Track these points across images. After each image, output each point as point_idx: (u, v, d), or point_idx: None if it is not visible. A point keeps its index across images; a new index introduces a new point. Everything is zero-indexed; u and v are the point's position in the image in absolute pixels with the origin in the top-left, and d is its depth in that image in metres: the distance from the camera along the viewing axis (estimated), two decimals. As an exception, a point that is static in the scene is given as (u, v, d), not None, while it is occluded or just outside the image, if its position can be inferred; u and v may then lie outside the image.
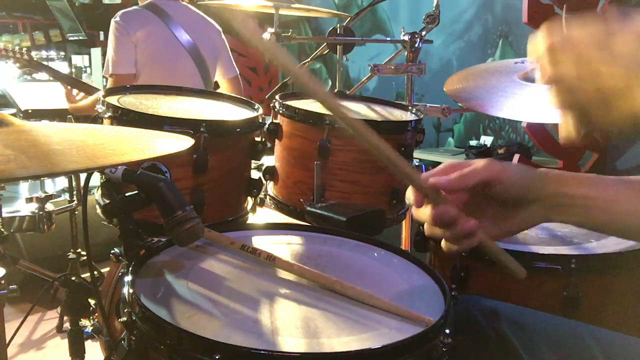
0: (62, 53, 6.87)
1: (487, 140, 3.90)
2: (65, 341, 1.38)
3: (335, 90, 1.94)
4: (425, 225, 0.83)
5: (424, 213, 0.81)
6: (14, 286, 1.53)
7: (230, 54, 2.95)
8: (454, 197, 0.81)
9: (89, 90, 2.88)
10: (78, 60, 6.75)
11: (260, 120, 1.37)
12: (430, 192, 0.80)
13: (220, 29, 2.90)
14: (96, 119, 1.31)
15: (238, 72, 2.99)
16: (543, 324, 0.96)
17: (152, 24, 2.67)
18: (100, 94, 1.34)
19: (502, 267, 0.86)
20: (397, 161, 0.79)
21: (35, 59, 3.04)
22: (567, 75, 0.66)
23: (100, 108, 1.27)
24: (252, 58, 5.53)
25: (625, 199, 0.77)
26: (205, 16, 2.86)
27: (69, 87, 2.85)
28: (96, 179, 1.26)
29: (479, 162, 0.80)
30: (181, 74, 2.70)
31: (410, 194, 0.83)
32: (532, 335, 0.94)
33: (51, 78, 3.09)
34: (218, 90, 2.95)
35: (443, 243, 0.83)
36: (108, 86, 2.65)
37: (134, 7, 2.76)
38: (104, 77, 2.77)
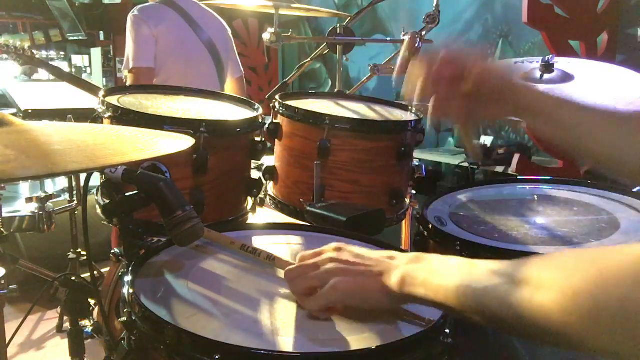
0: (62, 53, 6.88)
1: (487, 140, 3.90)
2: (65, 341, 1.38)
3: (336, 90, 1.94)
4: (418, 89, 0.93)
5: (415, 75, 0.93)
6: (14, 286, 1.53)
7: (237, 53, 2.96)
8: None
9: (91, 88, 2.88)
10: (78, 60, 6.76)
11: (260, 120, 1.37)
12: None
13: (228, 28, 2.90)
14: (96, 119, 1.31)
15: (243, 72, 3.00)
16: None
17: (172, 20, 2.66)
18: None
19: (467, 146, 1.03)
20: None
21: (37, 57, 3.03)
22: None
23: (100, 108, 1.27)
24: (252, 58, 5.53)
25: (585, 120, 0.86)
26: (216, 14, 2.86)
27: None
28: (96, 179, 1.26)
29: (470, 50, 0.93)
30: (199, 71, 2.69)
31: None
32: None
33: (52, 76, 3.09)
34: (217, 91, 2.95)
35: (430, 110, 0.94)
36: (128, 82, 2.62)
37: (151, 3, 2.74)
38: (123, 71, 2.75)
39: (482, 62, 0.91)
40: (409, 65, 0.96)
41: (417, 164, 1.62)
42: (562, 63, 1.67)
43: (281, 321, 0.77)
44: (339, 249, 0.82)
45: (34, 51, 3.01)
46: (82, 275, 1.98)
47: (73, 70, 6.32)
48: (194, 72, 2.65)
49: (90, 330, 1.33)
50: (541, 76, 1.63)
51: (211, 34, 2.74)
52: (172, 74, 2.60)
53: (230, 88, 2.96)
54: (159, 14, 2.66)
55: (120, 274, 1.22)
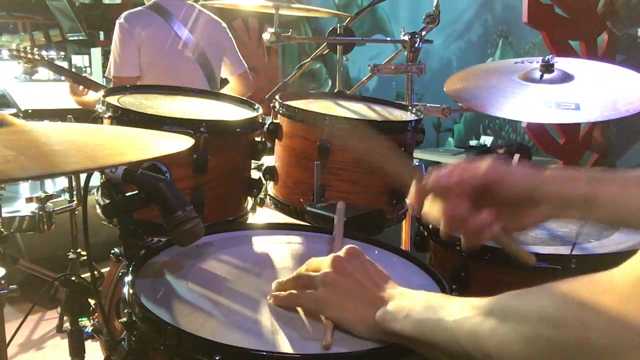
0: (62, 53, 6.88)
1: (487, 140, 3.90)
2: (65, 341, 1.38)
3: (335, 90, 1.94)
4: (441, 228, 0.83)
5: (434, 215, 0.83)
6: (14, 286, 1.53)
7: (237, 50, 2.95)
8: (460, 194, 0.81)
9: (99, 88, 2.89)
10: (78, 60, 6.75)
11: (260, 120, 1.37)
12: (432, 192, 0.82)
13: (225, 26, 2.90)
14: (96, 119, 1.31)
15: (247, 67, 2.99)
16: None
17: (156, 25, 2.67)
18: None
19: (513, 256, 0.87)
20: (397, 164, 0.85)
21: (45, 58, 3.05)
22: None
23: (100, 108, 1.27)
24: (252, 58, 5.53)
25: (627, 194, 0.78)
26: (211, 14, 2.86)
27: (73, 83, 2.85)
28: (96, 179, 1.26)
29: (483, 165, 0.81)
30: (184, 75, 2.69)
31: (412, 194, 0.86)
32: None
33: (52, 76, 3.10)
34: (227, 87, 2.96)
35: (463, 241, 0.83)
36: None
37: (139, 8, 2.76)
38: (105, 77, 2.78)
39: (497, 170, 0.80)
40: (425, 206, 0.85)
41: (417, 164, 1.62)
42: (562, 63, 1.67)
43: (281, 321, 0.77)
44: (352, 253, 0.81)
45: (41, 53, 3.01)
46: (82, 275, 1.98)
47: (73, 70, 6.32)
48: (178, 76, 2.65)
49: (90, 330, 1.32)
50: (541, 76, 1.63)
51: (200, 38, 2.74)
52: (155, 79, 2.61)
53: (234, 85, 2.96)
54: (143, 20, 2.67)
55: (120, 274, 1.22)
